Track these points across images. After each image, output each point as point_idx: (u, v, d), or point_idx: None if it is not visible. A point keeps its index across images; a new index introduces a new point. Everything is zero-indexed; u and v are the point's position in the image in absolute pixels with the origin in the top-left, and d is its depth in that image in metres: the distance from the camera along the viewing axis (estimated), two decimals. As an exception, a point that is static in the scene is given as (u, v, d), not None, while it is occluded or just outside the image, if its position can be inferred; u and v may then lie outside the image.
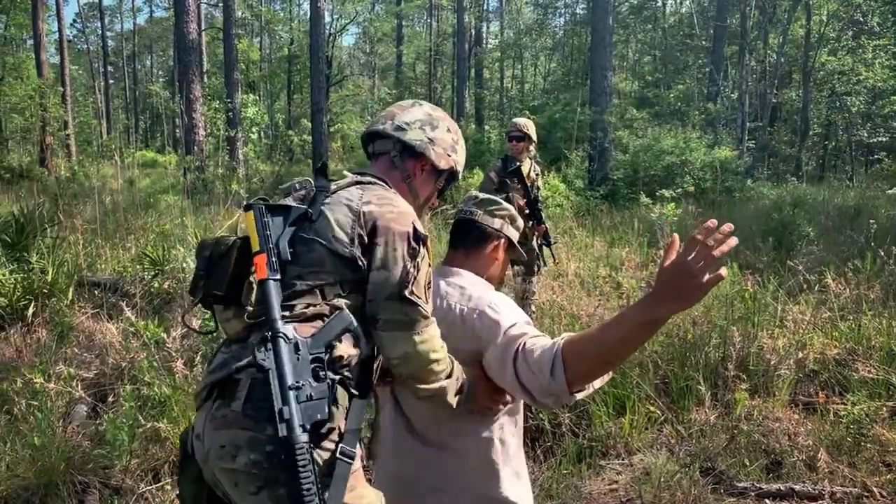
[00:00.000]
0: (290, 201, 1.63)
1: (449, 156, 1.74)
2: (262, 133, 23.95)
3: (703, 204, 12.36)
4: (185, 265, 5.24)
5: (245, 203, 1.53)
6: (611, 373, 1.67)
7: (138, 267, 6.42)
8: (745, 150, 16.68)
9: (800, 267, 5.65)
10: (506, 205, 2.02)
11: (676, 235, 1.39)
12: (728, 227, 1.28)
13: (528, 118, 5.48)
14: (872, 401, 3.86)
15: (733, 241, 1.29)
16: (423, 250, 1.55)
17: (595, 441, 3.69)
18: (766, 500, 3.18)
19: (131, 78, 47.21)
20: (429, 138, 1.71)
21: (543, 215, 5.64)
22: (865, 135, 22.37)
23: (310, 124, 23.11)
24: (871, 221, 7.18)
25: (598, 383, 1.66)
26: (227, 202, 9.11)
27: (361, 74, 36.50)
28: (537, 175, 5.64)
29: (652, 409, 3.86)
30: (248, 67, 27.44)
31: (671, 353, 4.33)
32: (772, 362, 4.47)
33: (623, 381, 3.93)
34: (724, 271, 1.28)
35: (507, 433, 1.84)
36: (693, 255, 1.28)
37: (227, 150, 16.35)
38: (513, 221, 2.01)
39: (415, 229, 1.54)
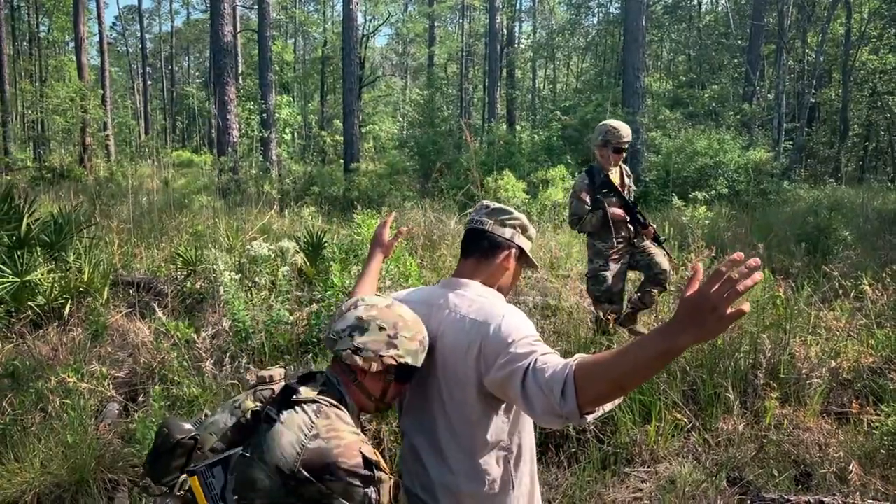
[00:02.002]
0: (247, 403, 1.69)
1: (381, 356, 1.70)
2: (295, 134, 24.25)
3: (737, 206, 12.18)
4: (216, 266, 5.32)
5: (189, 469, 1.55)
6: (622, 396, 1.65)
7: (171, 267, 6.55)
8: (781, 151, 16.36)
9: (835, 272, 5.53)
10: (517, 214, 2.01)
11: (700, 265, 1.37)
12: (755, 261, 1.26)
13: (610, 122, 4.80)
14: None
15: (758, 275, 1.26)
16: (377, 474, 1.58)
17: (620, 448, 3.66)
18: (795, 513, 3.12)
19: (169, 79, 48.10)
20: (355, 346, 1.70)
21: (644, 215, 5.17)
22: (908, 136, 21.79)
23: (342, 125, 23.35)
24: (911, 226, 7.01)
25: (608, 406, 1.63)
26: (259, 202, 9.24)
27: (394, 75, 36.68)
28: (629, 177, 5.10)
29: (679, 416, 3.81)
30: (282, 69, 27.78)
31: (700, 359, 4.27)
32: (803, 370, 4.38)
33: (650, 388, 3.89)
34: (746, 306, 1.27)
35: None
36: (717, 287, 1.27)
37: (260, 150, 16.58)
38: (524, 231, 2.00)
39: (364, 459, 1.57)
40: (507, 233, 1.96)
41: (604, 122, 4.96)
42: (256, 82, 19.93)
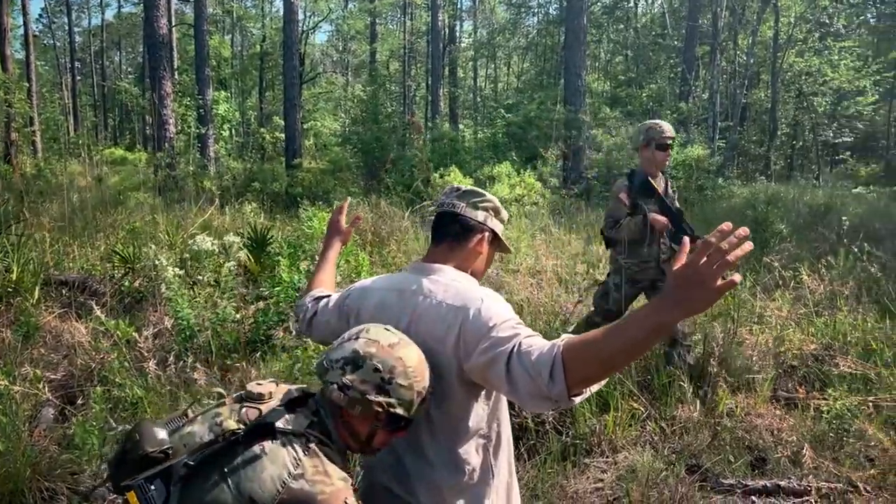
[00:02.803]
0: (229, 422, 1.51)
1: (369, 400, 1.53)
2: (233, 131, 23.65)
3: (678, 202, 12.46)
4: (157, 262, 5.09)
5: (126, 483, 1.40)
6: (611, 375, 1.60)
7: (107, 265, 6.25)
8: (716, 149, 16.85)
9: (775, 263, 5.67)
10: (489, 196, 1.94)
11: (687, 238, 1.33)
12: (744, 231, 1.22)
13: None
14: (852, 396, 3.88)
15: (748, 245, 1.22)
16: None
17: (579, 439, 3.65)
18: (753, 498, 3.16)
19: (99, 74, 46.27)
20: (343, 383, 1.53)
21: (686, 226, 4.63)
22: (831, 135, 22.80)
23: (282, 122, 22.88)
24: (844, 219, 7.29)
25: (595, 387, 1.58)
26: (199, 200, 8.93)
27: (334, 72, 36.26)
28: (674, 191, 4.69)
29: (635, 405, 3.83)
30: (219, 64, 27.06)
31: (653, 349, 4.31)
32: (753, 358, 4.48)
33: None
34: (737, 277, 1.23)
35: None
36: (707, 258, 1.22)
37: (197, 147, 16.10)
38: (497, 213, 1.93)
39: None
40: (480, 216, 1.89)
41: (642, 123, 4.69)
42: (193, 78, 19.35)
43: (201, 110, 16.45)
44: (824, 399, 4.04)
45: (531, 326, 4.89)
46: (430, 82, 25.00)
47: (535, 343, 1.53)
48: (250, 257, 6.15)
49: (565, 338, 1.50)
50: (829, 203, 11.53)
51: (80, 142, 20.40)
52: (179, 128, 15.14)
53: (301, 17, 22.80)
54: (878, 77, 21.62)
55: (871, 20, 30.10)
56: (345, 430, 1.60)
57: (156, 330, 4.71)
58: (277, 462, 1.44)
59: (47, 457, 3.19)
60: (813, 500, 3.09)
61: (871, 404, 3.79)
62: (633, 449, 3.56)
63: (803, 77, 21.80)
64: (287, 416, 1.54)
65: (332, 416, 1.60)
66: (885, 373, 4.25)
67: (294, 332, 4.46)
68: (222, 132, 19.66)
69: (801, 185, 15.97)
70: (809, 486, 3.15)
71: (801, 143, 24.98)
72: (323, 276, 2.28)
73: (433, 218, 1.95)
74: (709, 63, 21.27)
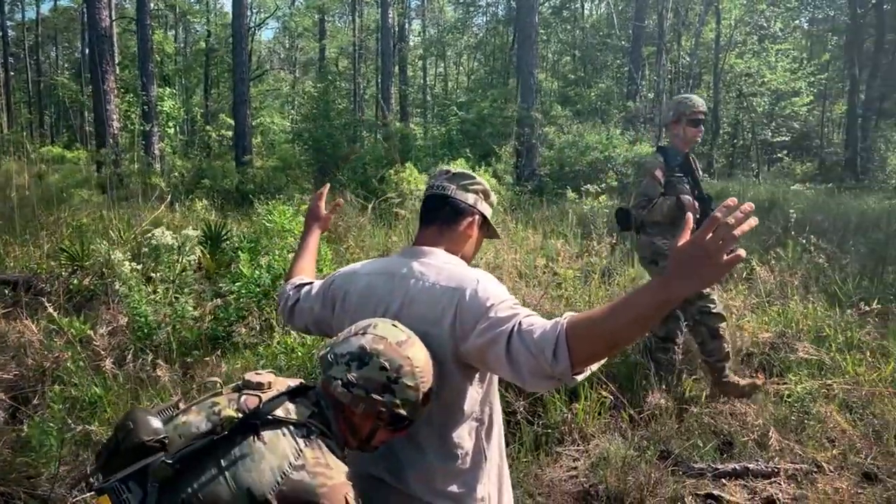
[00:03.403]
0: (228, 410, 1.44)
1: (373, 399, 1.49)
2: (178, 128, 23.06)
3: (626, 198, 12.68)
4: (111, 258, 4.90)
5: (98, 485, 1.33)
6: (615, 353, 1.59)
7: (53, 263, 5.99)
8: (663, 147, 17.23)
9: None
10: (479, 179, 1.92)
11: (690, 215, 1.32)
12: (749, 206, 1.23)
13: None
14: (810, 381, 4.00)
15: (754, 220, 1.23)
16: None
17: (550, 428, 3.66)
18: (723, 480, 3.22)
19: (35, 70, 44.46)
20: (347, 380, 1.48)
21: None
22: (769, 134, 23.58)
23: (229, 120, 22.41)
24: (792, 212, 7.53)
25: (596, 365, 1.58)
26: (148, 197, 8.65)
27: (282, 69, 35.73)
28: (699, 171, 4.41)
29: (604, 394, 3.87)
30: (162, 61, 26.33)
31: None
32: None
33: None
34: (742, 252, 1.23)
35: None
36: (713, 234, 1.22)
37: (142, 144, 15.63)
38: (486, 197, 1.91)
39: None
40: (470, 198, 1.86)
41: (672, 97, 4.37)
42: (134, 73, 18.76)
43: (145, 107, 15.96)
44: (784, 384, 4.16)
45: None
46: (380, 80, 24.85)
47: (537, 322, 1.52)
48: (205, 254, 5.99)
49: (568, 315, 1.49)
50: (773, 198, 11.92)
51: (14, 139, 19.57)
52: (122, 124, 14.66)
53: (248, 13, 22.36)
54: (812, 79, 22.48)
55: (805, 25, 31.31)
56: (345, 426, 1.55)
57: (110, 328, 4.52)
58: (277, 452, 1.39)
59: (0, 461, 3.03)
60: (781, 481, 3.16)
61: (828, 388, 3.92)
62: (604, 437, 3.59)
63: (743, 78, 22.48)
64: (288, 405, 1.48)
65: (334, 410, 1.54)
66: (838, 358, 4.40)
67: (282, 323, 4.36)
68: (167, 129, 19.14)
69: (743, 182, 16.48)
70: (777, 468, 3.23)
71: (741, 142, 25.79)
72: (303, 264, 2.23)
73: (423, 199, 1.91)
74: (655, 63, 21.75)
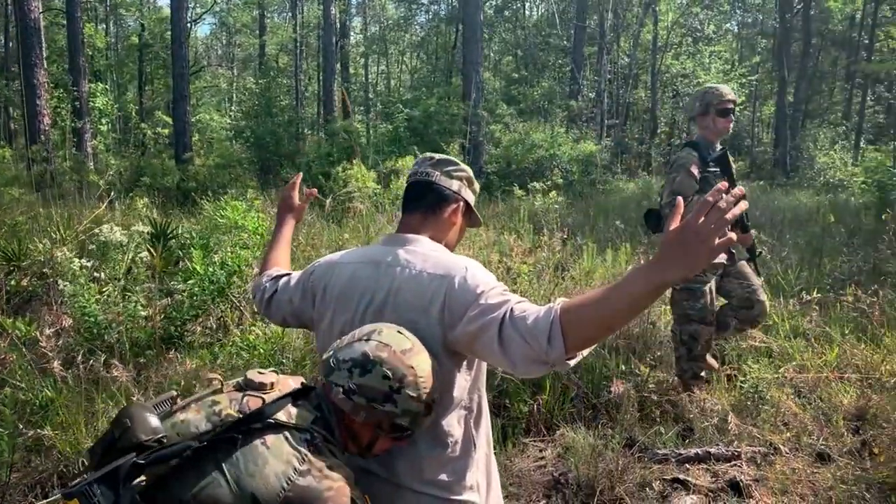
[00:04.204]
0: (229, 410, 1.40)
1: (374, 408, 1.46)
2: (111, 125, 22.23)
3: (572, 196, 12.90)
4: (54, 258, 4.68)
5: (66, 490, 1.26)
6: (609, 336, 1.60)
7: (-14, 264, 5.69)
8: (604, 146, 17.58)
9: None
10: (463, 165, 1.90)
11: (681, 199, 1.35)
12: (740, 190, 1.27)
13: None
14: (763, 367, 4.15)
15: (744, 204, 1.26)
16: None
17: (516, 419, 3.68)
18: (687, 465, 3.30)
19: (-50, 63, 42.21)
20: (349, 387, 1.44)
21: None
22: (704, 133, 24.32)
23: (165, 117, 21.74)
24: (733, 207, 7.81)
25: (587, 350, 1.59)
26: (84, 195, 8.31)
27: (220, 65, 34.91)
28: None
29: (567, 384, 3.91)
30: (93, 55, 25.34)
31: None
32: (665, 338, 4.70)
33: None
34: (732, 235, 1.25)
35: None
36: (705, 217, 1.24)
37: (74, 142, 15.01)
38: (470, 184, 1.90)
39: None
40: (455, 185, 1.84)
41: (697, 89, 4.13)
42: (62, 68, 17.99)
43: (77, 103, 15.32)
44: (732, 371, 4.31)
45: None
46: (321, 77, 24.55)
47: (529, 308, 1.51)
48: (152, 252, 5.79)
49: (561, 301, 1.49)
50: (711, 195, 12.31)
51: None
52: (53, 121, 14.05)
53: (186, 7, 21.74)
54: (743, 80, 23.32)
55: (736, 28, 32.46)
56: (346, 432, 1.52)
57: (54, 329, 4.32)
58: (281, 457, 1.35)
59: (-55, 470, 2.85)
60: (742, 464, 3.26)
61: (779, 374, 4.07)
62: (569, 426, 3.63)
63: (679, 78, 23.14)
64: (291, 408, 1.44)
65: (335, 416, 1.51)
66: (785, 345, 4.58)
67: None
68: (100, 126, 18.42)
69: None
70: (737, 451, 3.33)
71: (678, 141, 26.55)
72: (278, 254, 2.17)
73: (406, 186, 1.89)
74: (596, 63, 22.17)
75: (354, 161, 10.16)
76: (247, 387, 1.48)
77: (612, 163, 17.98)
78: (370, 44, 31.78)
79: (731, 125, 3.97)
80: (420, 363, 1.49)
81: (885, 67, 22.24)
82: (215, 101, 32.00)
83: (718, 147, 4.02)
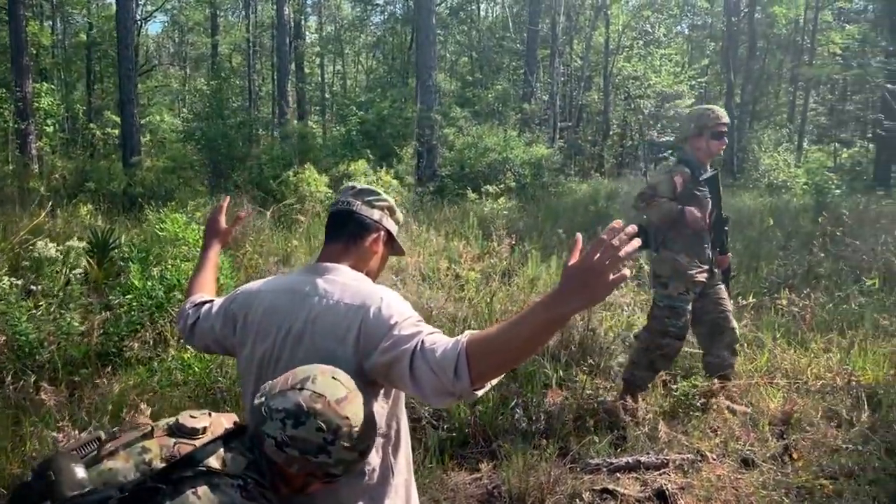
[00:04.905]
0: (157, 461, 1.38)
1: (307, 460, 1.43)
2: (58, 126, 21.63)
3: (524, 199, 13.04)
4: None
5: None
6: (514, 367, 1.66)
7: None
8: (557, 148, 17.79)
9: (619, 254, 6.09)
10: (385, 195, 1.95)
11: (580, 235, 1.42)
12: (633, 228, 1.34)
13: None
14: (695, 374, 4.28)
15: (637, 241, 1.34)
16: None
17: (454, 431, 3.73)
18: (618, 474, 3.39)
19: None
20: (280, 439, 1.41)
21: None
22: (655, 135, 24.81)
23: (114, 117, 21.22)
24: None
25: (496, 380, 1.64)
26: (25, 202, 8.09)
27: (171, 65, 34.24)
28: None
29: (505, 394, 3.98)
30: (38, 53, 24.61)
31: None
32: (604, 344, 4.80)
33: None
34: (626, 271, 1.33)
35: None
36: (600, 254, 1.32)
37: (17, 144, 14.58)
38: (392, 213, 1.94)
39: None
40: (376, 214, 1.88)
41: (691, 109, 4.31)
42: (8, 67, 17.44)
43: (20, 103, 14.88)
44: (664, 379, 4.42)
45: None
46: (276, 78, 24.28)
47: (439, 340, 1.56)
48: (92, 264, 5.68)
49: (468, 333, 1.54)
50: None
51: None
52: (-7, 122, 13.66)
53: (134, 5, 21.30)
54: (693, 82, 23.83)
55: (686, 31, 33.13)
56: (278, 477, 1.50)
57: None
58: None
59: None
60: (670, 472, 3.37)
61: (711, 381, 4.19)
62: (506, 437, 3.69)
63: (631, 81, 23.53)
64: (223, 453, 1.42)
65: (267, 462, 1.48)
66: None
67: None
68: (46, 128, 17.91)
69: (632, 181, 17.29)
70: (666, 459, 3.43)
71: (630, 142, 27.00)
72: (203, 280, 2.18)
73: (328, 215, 1.92)
74: (549, 66, 22.40)
75: (306, 165, 10.08)
76: (179, 432, 1.44)
77: (566, 164, 18.22)
78: (325, 44, 31.53)
79: (724, 147, 4.07)
80: (355, 412, 1.47)
81: (825, 71, 23.00)
82: (167, 101, 31.38)
83: (710, 169, 4.11)
